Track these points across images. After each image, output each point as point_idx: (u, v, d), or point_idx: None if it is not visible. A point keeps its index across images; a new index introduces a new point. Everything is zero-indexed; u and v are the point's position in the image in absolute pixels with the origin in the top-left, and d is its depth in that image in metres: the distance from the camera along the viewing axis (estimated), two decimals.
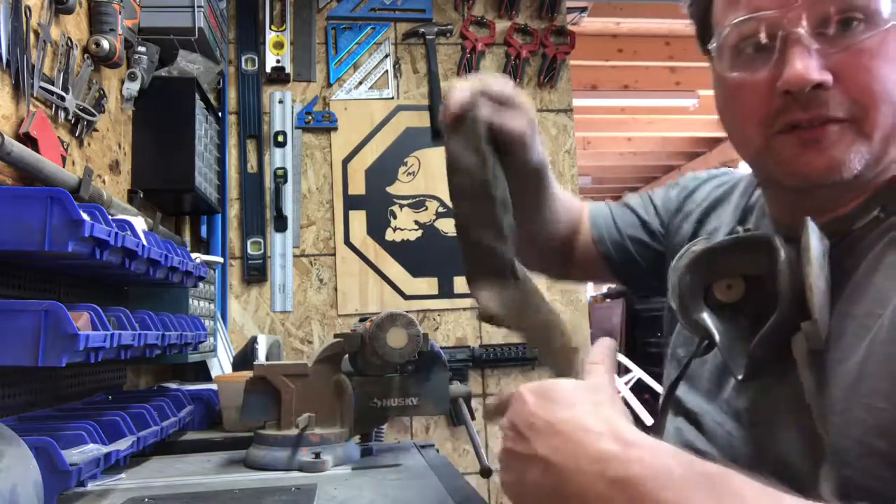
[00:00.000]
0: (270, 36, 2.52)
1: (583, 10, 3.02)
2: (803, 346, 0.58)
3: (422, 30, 2.59)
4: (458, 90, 0.68)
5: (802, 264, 0.58)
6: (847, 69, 0.59)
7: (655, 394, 4.36)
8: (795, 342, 0.59)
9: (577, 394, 0.52)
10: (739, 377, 0.62)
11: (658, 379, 4.28)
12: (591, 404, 0.51)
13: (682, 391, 0.77)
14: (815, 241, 0.58)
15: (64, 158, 1.35)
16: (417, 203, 2.54)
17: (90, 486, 0.93)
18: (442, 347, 1.87)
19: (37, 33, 1.25)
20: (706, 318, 0.65)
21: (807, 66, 0.57)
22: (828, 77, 0.58)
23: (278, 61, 2.51)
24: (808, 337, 0.57)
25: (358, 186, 2.52)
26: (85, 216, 0.88)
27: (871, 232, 0.61)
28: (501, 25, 2.66)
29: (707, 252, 0.64)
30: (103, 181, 1.63)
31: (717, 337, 0.64)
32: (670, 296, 0.67)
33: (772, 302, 0.60)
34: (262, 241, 2.44)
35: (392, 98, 2.58)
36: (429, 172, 2.55)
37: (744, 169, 0.80)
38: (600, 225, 0.96)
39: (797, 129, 0.60)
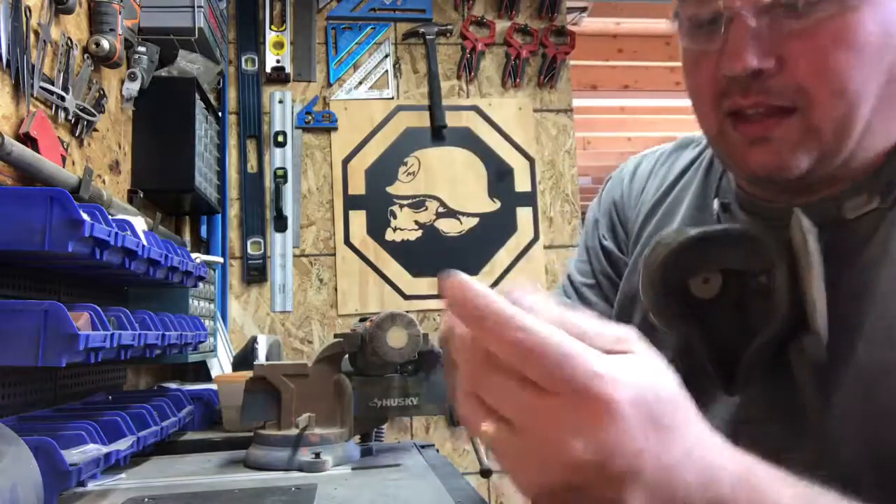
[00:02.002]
0: (270, 36, 2.52)
1: (583, 10, 3.02)
2: (803, 358, 0.54)
3: (422, 30, 2.59)
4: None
5: (801, 272, 0.52)
6: (794, 53, 0.53)
7: None
8: (793, 353, 0.54)
9: (687, 415, 0.39)
10: (729, 394, 0.57)
11: None
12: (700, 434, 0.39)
13: None
14: (812, 242, 0.52)
15: (64, 158, 1.35)
16: (417, 203, 2.54)
17: (90, 486, 0.93)
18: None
19: (37, 33, 1.25)
20: (686, 323, 0.59)
21: (744, 50, 0.53)
22: (768, 63, 0.53)
23: (278, 61, 2.51)
24: (810, 351, 0.53)
25: (358, 186, 2.52)
26: (85, 216, 0.88)
27: (871, 224, 0.56)
28: (501, 25, 2.66)
29: (683, 246, 0.58)
30: (103, 181, 1.63)
31: (703, 350, 0.58)
32: (643, 294, 0.60)
33: (755, 299, 0.56)
34: (262, 241, 2.44)
35: (392, 98, 2.58)
36: (429, 172, 2.55)
37: None
38: None
39: (743, 121, 0.57)
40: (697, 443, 0.38)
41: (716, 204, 0.68)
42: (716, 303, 0.59)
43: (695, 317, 0.59)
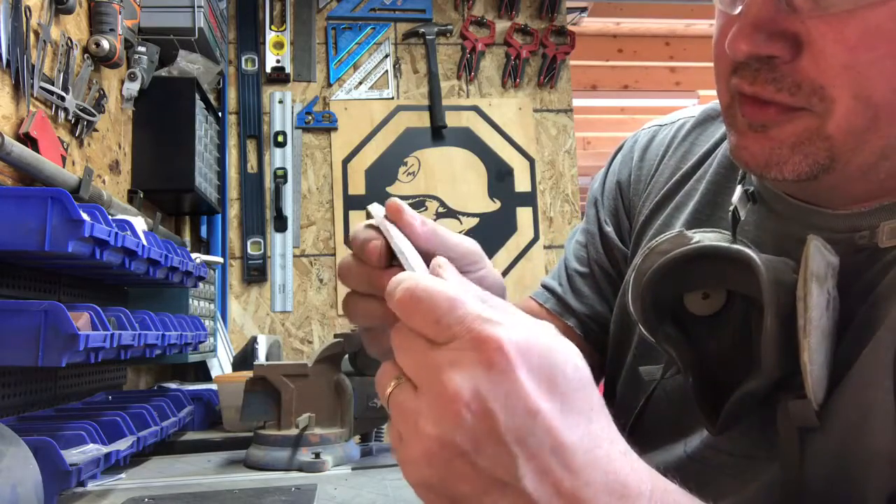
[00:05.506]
0: (270, 36, 2.52)
1: (583, 10, 3.02)
2: (789, 418, 0.48)
3: (422, 30, 2.59)
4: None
5: (799, 326, 0.44)
6: (818, 39, 0.43)
7: None
8: (780, 408, 0.48)
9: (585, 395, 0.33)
10: (710, 432, 0.52)
11: None
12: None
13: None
14: (815, 295, 0.44)
15: (64, 158, 1.35)
16: (417, 203, 2.54)
17: (90, 486, 0.93)
18: None
19: (37, 33, 1.25)
20: (676, 343, 0.53)
21: (751, 30, 0.44)
22: (777, 47, 0.44)
23: (278, 61, 2.51)
24: (797, 416, 0.47)
25: (358, 186, 2.52)
26: (85, 216, 0.88)
27: None
28: (501, 25, 2.66)
29: (679, 260, 0.51)
30: (103, 181, 1.63)
31: (690, 380, 0.52)
32: (632, 306, 0.54)
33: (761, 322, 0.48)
34: (262, 241, 2.44)
35: (392, 98, 2.58)
36: (429, 172, 2.55)
37: None
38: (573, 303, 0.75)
39: (749, 102, 0.48)
40: (606, 438, 0.33)
41: (737, 192, 0.56)
42: (716, 321, 0.53)
43: (688, 336, 0.53)
